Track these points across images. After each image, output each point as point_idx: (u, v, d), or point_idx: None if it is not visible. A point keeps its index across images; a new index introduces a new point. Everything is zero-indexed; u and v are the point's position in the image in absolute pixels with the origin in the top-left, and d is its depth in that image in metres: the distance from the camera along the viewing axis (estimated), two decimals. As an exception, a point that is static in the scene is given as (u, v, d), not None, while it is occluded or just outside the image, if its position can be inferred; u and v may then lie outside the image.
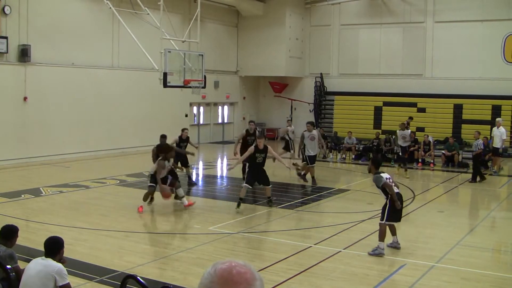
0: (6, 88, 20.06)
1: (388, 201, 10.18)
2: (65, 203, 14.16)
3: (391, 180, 10.31)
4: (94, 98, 23.13)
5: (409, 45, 29.04)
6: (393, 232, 10.44)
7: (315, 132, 17.82)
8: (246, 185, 13.89)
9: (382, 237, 10.10)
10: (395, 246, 10.46)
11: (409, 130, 19.72)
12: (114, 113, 24.05)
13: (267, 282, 8.25)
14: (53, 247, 6.04)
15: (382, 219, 10.22)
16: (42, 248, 6.11)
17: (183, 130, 17.51)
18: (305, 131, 17.80)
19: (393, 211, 10.13)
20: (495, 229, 13.08)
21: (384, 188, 10.15)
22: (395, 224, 10.42)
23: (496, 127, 20.47)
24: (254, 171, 14.06)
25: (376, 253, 10.04)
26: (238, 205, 13.65)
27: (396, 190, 10.23)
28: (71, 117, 22.21)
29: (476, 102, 26.67)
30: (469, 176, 19.82)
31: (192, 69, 19.17)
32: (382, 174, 10.31)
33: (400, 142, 19.50)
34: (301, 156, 17.93)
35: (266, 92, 33.83)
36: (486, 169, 21.38)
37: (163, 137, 16.09)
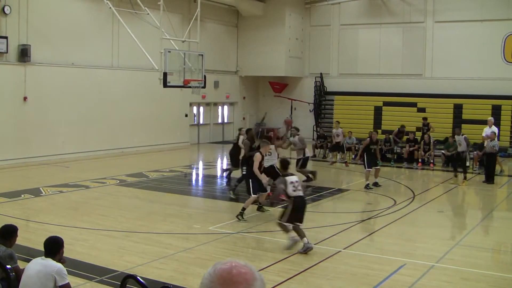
0: (6, 88, 20.05)
1: (291, 204, 10.32)
2: (65, 203, 14.16)
3: (296, 184, 10.41)
4: (94, 98, 23.12)
5: (409, 45, 29.03)
6: (302, 235, 10.20)
7: (296, 138, 17.58)
8: (256, 195, 12.90)
9: (286, 230, 10.26)
10: (308, 247, 10.11)
11: (464, 136, 18.79)
12: (114, 113, 24.05)
13: (267, 282, 8.21)
14: (53, 247, 6.03)
15: (280, 218, 10.41)
16: (42, 248, 6.11)
17: (239, 129, 18.15)
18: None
19: (294, 213, 10.23)
20: (495, 229, 13.09)
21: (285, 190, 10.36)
22: (300, 225, 10.30)
23: (488, 126, 20.27)
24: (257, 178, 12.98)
25: (307, 248, 10.02)
26: (241, 216, 12.64)
27: (299, 193, 10.40)
28: (71, 117, 22.20)
29: (476, 102, 26.65)
30: (470, 176, 19.83)
31: (192, 69, 19.19)
32: (287, 178, 10.46)
33: (458, 148, 18.81)
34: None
35: (266, 92, 33.81)
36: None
37: (249, 130, 16.52)
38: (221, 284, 1.92)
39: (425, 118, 24.61)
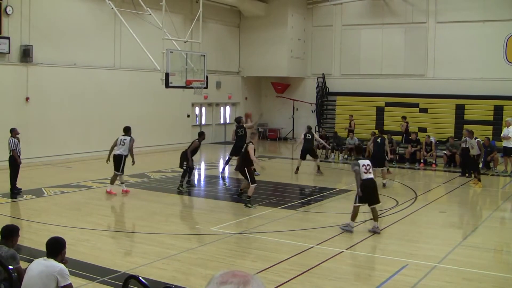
0: (8, 89, 20.07)
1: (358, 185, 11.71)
2: (67, 204, 14.16)
3: (367, 168, 11.64)
4: (96, 98, 23.14)
5: (411, 46, 29.02)
6: (375, 218, 11.71)
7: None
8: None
9: (353, 217, 11.64)
10: (374, 231, 11.59)
11: (477, 139, 18.54)
12: (116, 113, 24.03)
13: (269, 283, 8.24)
14: (55, 248, 6.03)
15: (355, 202, 11.71)
16: (44, 249, 6.10)
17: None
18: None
19: (362, 194, 11.52)
20: (497, 230, 13.05)
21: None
22: (375, 206, 11.74)
23: (506, 127, 20.51)
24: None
25: (346, 229, 11.60)
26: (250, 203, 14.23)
27: (369, 176, 11.63)
28: (73, 117, 22.22)
29: (478, 102, 26.63)
30: (471, 176, 19.85)
31: (194, 70, 19.17)
32: (359, 161, 11.74)
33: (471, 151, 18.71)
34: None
35: (268, 92, 33.83)
36: (488, 169, 21.37)
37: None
38: (222, 276, 2.11)
39: (404, 117, 24.82)
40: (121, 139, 15.60)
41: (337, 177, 20.81)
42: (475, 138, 18.55)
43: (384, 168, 17.75)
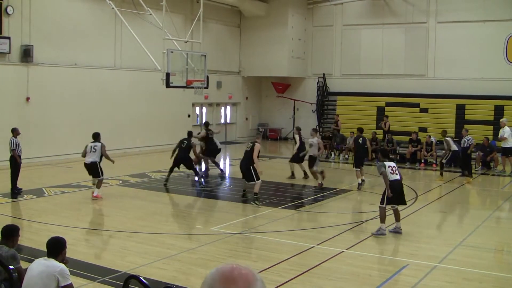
0: (9, 89, 20.08)
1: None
2: (68, 204, 14.17)
3: (393, 169, 11.55)
4: (97, 98, 23.14)
5: (412, 46, 29.01)
6: (397, 218, 11.56)
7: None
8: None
9: (382, 220, 11.38)
10: (396, 231, 11.49)
11: (449, 137, 19.67)
12: (117, 113, 24.05)
13: (270, 283, 8.25)
14: (56, 248, 6.03)
15: (382, 203, 11.48)
16: (44, 249, 6.11)
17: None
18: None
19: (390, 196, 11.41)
20: (497, 230, 13.07)
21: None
22: (399, 208, 11.65)
23: (502, 128, 20.62)
24: None
25: (379, 233, 11.30)
26: (258, 201, 14.44)
27: (396, 177, 11.49)
28: (74, 117, 22.22)
29: (478, 102, 26.61)
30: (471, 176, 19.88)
31: (194, 70, 19.17)
32: (385, 163, 11.65)
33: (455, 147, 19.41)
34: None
35: (268, 92, 33.83)
36: (489, 169, 21.37)
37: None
38: (223, 282, 1.97)
39: (386, 116, 25.01)
40: (91, 146, 14.94)
41: (338, 177, 20.77)
42: (448, 136, 19.66)
43: (362, 168, 17.50)
